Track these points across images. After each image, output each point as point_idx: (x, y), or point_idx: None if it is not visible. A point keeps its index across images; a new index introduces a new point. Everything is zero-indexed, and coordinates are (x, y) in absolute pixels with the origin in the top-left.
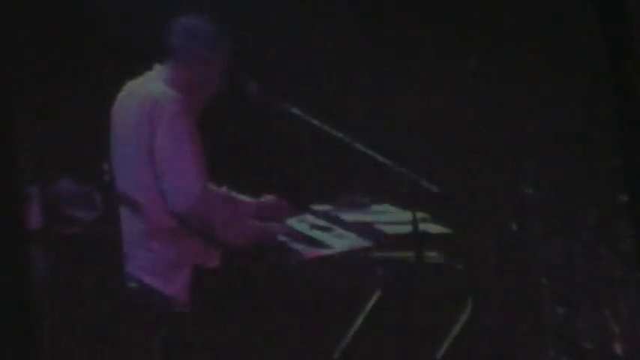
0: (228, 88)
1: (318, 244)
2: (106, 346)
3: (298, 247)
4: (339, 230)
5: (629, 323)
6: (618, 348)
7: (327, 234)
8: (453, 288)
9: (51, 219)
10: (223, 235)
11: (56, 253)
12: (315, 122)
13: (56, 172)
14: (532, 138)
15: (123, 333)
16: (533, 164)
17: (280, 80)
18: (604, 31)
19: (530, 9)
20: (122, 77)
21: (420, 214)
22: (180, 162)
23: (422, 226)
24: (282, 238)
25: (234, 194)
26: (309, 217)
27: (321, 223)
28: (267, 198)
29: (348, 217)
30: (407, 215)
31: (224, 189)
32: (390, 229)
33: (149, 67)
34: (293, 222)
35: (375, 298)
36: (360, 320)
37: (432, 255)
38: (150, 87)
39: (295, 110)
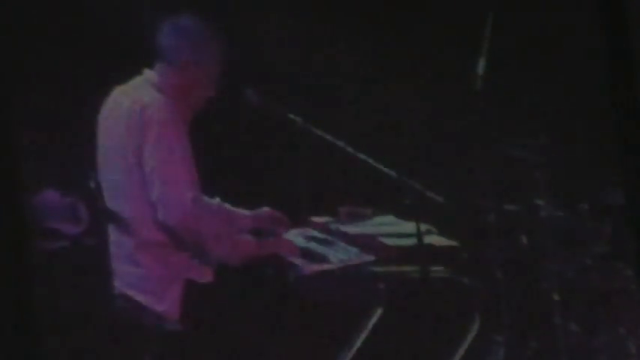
0: (223, 94)
1: (318, 258)
2: None
3: (296, 261)
4: (339, 243)
5: None
6: None
7: (327, 247)
8: (460, 304)
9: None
10: (216, 249)
11: (39, 270)
12: (315, 130)
13: (39, 182)
14: (543, 147)
15: (111, 353)
16: (544, 174)
17: (279, 86)
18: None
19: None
20: (109, 82)
21: (424, 226)
22: (170, 172)
23: (427, 239)
24: (279, 252)
25: (228, 206)
26: (308, 230)
27: (321, 235)
28: (264, 210)
29: (349, 229)
30: (411, 227)
31: (217, 200)
32: (393, 242)
33: (138, 71)
34: (291, 235)
35: (377, 315)
36: (361, 339)
37: (438, 269)
38: (138, 93)
39: (294, 117)
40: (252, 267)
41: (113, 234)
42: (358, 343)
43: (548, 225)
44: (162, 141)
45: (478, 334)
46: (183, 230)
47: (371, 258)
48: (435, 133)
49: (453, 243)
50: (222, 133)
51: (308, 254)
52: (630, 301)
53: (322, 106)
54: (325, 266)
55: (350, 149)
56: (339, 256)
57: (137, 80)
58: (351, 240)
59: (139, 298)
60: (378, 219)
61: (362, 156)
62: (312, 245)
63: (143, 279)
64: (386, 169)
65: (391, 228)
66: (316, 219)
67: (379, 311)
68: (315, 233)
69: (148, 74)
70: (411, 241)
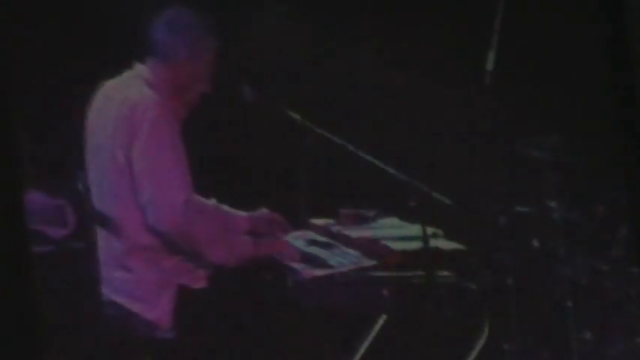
0: (218, 90)
1: (318, 262)
2: None
3: (296, 265)
4: (340, 247)
5: None
6: None
7: (328, 251)
8: (468, 311)
9: None
10: (211, 252)
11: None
12: (316, 128)
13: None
14: (556, 146)
15: None
16: (556, 174)
17: (276, 82)
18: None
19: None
20: (98, 77)
21: (430, 229)
22: (162, 174)
23: (433, 242)
24: (277, 255)
25: (223, 207)
26: (308, 233)
27: (321, 239)
28: (261, 211)
29: (351, 232)
30: (416, 230)
31: (212, 201)
32: (398, 246)
33: (128, 66)
34: (290, 238)
35: (380, 322)
36: (363, 348)
37: (444, 274)
38: (129, 89)
39: (294, 115)
40: (248, 271)
41: (102, 238)
42: (361, 352)
43: (561, 228)
44: (153, 140)
45: (487, 343)
46: (175, 234)
47: (374, 262)
48: (442, 131)
49: (461, 247)
50: (218, 132)
51: (308, 258)
52: None
53: (323, 103)
54: (326, 271)
55: (352, 148)
56: (341, 260)
57: (128, 75)
58: (353, 243)
59: (129, 305)
60: (382, 221)
61: (365, 155)
62: (313, 249)
63: (133, 285)
64: (390, 169)
65: (395, 231)
66: (317, 221)
67: (383, 318)
68: (316, 236)
69: (140, 69)
70: (416, 245)
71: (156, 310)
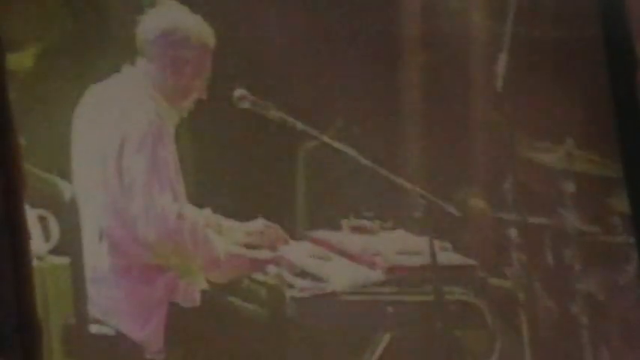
0: (212, 94)
1: (317, 277)
2: None
3: (293, 281)
4: (342, 261)
5: None
6: None
7: (328, 265)
8: (478, 329)
9: None
10: (205, 267)
11: None
12: (315, 133)
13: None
14: (570, 152)
15: None
16: (571, 184)
17: (274, 85)
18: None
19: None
20: (84, 80)
21: (438, 242)
22: (153, 184)
23: (441, 257)
24: (273, 270)
25: (217, 218)
26: (307, 245)
27: (321, 252)
28: (257, 222)
29: (353, 245)
30: (423, 243)
31: (206, 212)
32: (403, 260)
33: (116, 69)
34: (287, 251)
35: (384, 342)
36: None
37: (453, 290)
38: (118, 93)
39: (292, 120)
40: (243, 288)
41: (88, 252)
42: None
43: (577, 241)
44: (144, 148)
45: None
46: (166, 248)
47: (378, 278)
48: (450, 136)
49: (470, 261)
50: (212, 138)
51: (307, 273)
52: None
53: (323, 108)
54: (326, 287)
55: (355, 155)
56: (342, 275)
57: (116, 79)
58: (356, 258)
59: (117, 325)
60: (386, 234)
61: (368, 163)
62: (312, 263)
63: (122, 303)
64: (395, 178)
65: (401, 244)
66: (316, 233)
67: (387, 337)
68: (315, 250)
69: (129, 71)
70: (422, 259)
71: (146, 331)
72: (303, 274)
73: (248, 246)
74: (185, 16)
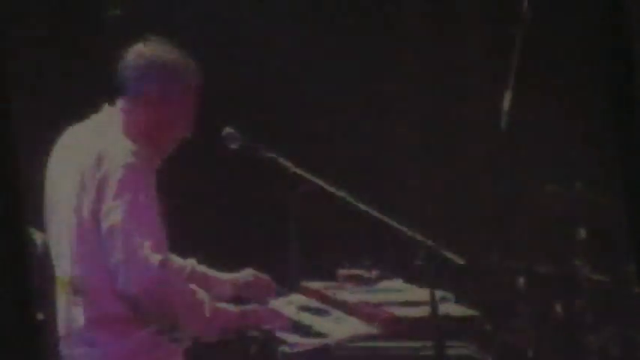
0: (199, 134)
1: (311, 331)
2: None
3: (286, 336)
4: (337, 313)
5: None
6: None
7: (323, 318)
8: None
9: None
10: (189, 322)
11: None
12: (310, 177)
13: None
14: (581, 197)
15: None
16: (582, 229)
17: (265, 124)
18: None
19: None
20: (61, 121)
21: (440, 293)
22: (133, 231)
23: (442, 308)
24: (264, 325)
25: (203, 269)
26: (300, 298)
27: (315, 304)
28: (247, 273)
29: (349, 296)
30: (423, 294)
31: (191, 262)
32: (403, 312)
33: (95, 109)
34: (279, 304)
35: None
36: None
37: (456, 344)
38: (96, 135)
39: (284, 162)
40: (231, 344)
41: (62, 306)
42: None
43: (588, 291)
44: (123, 193)
45: None
46: (148, 301)
47: (375, 331)
48: (453, 179)
49: (474, 313)
50: (198, 182)
51: (300, 327)
52: None
53: (318, 148)
54: (320, 341)
55: (351, 199)
56: (338, 329)
57: (94, 119)
58: (352, 309)
59: None
60: (384, 284)
61: (365, 207)
62: (305, 316)
63: None
64: (394, 223)
65: (400, 295)
66: (310, 284)
67: None
68: (309, 301)
69: (108, 112)
70: (423, 311)
71: None
72: (295, 328)
73: (236, 299)
74: (169, 53)
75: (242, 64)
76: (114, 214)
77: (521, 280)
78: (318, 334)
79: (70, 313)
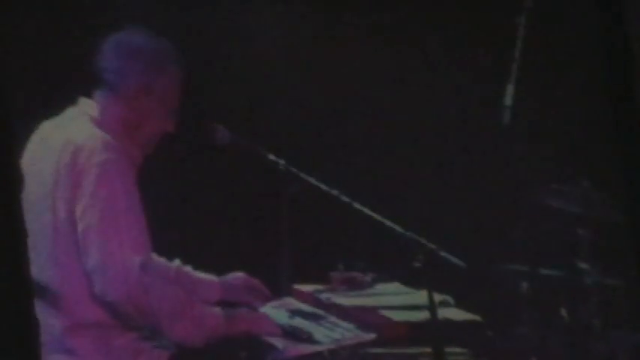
0: (183, 130)
1: (304, 337)
2: None
3: (277, 342)
4: (330, 318)
5: None
6: None
7: (315, 323)
8: None
9: None
10: (173, 328)
11: None
12: (303, 176)
13: None
14: (586, 195)
15: None
16: (588, 232)
17: (256, 120)
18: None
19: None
20: (34, 115)
21: (439, 296)
22: (112, 232)
23: (442, 312)
24: (254, 330)
25: (189, 271)
26: (292, 302)
27: (308, 309)
28: (235, 276)
29: (344, 300)
30: (422, 297)
31: (176, 264)
32: (400, 316)
33: (71, 101)
34: (270, 308)
35: None
36: None
37: (456, 351)
38: (72, 129)
39: (276, 160)
40: (219, 350)
41: (37, 313)
42: None
43: (595, 295)
44: (101, 191)
45: None
46: (128, 305)
47: (371, 337)
48: (453, 177)
49: (475, 317)
50: (183, 179)
51: (291, 333)
52: None
53: (311, 145)
54: (313, 348)
55: (345, 199)
56: (331, 334)
57: (70, 113)
58: (347, 314)
59: None
60: (381, 287)
61: (360, 207)
62: (297, 321)
63: None
64: (390, 224)
65: (397, 298)
66: (302, 287)
67: None
68: (301, 306)
69: (85, 105)
70: (421, 315)
71: None
72: (286, 334)
73: (224, 303)
74: (149, 42)
75: (230, 57)
76: (90, 213)
77: (525, 284)
78: (311, 340)
79: (46, 320)
